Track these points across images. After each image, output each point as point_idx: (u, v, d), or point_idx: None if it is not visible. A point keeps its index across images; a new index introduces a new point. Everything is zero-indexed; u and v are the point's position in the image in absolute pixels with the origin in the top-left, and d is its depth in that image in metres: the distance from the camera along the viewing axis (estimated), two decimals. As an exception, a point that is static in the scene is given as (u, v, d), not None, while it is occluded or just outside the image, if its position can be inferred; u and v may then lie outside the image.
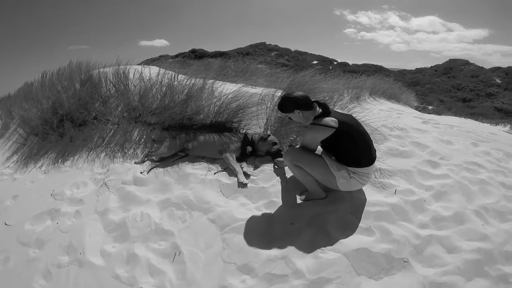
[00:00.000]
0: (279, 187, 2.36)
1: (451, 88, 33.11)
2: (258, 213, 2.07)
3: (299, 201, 2.19)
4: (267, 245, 1.81)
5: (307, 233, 1.87)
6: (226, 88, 3.39)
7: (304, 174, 2.09)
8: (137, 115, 3.42)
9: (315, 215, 2.01)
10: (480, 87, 31.82)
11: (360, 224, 1.94)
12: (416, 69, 44.51)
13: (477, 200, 2.30)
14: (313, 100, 2.11)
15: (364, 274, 1.63)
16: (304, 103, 2.08)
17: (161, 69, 3.83)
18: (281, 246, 1.80)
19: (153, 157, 2.84)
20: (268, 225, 1.96)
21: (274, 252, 1.75)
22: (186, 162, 2.75)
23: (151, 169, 2.66)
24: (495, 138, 4.45)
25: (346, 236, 1.84)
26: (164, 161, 2.77)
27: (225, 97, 3.23)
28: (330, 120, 1.97)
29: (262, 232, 1.90)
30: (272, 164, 2.67)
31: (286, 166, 2.50)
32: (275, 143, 2.71)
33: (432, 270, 1.68)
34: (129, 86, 3.59)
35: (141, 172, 2.63)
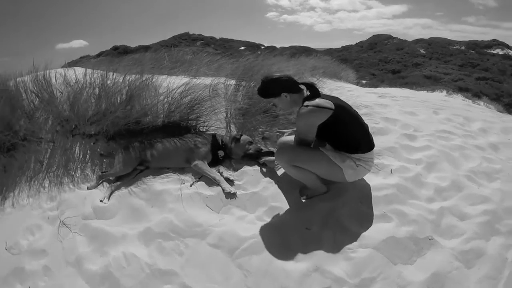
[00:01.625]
0: (272, 189, 2.30)
1: (379, 62, 37.42)
2: (264, 225, 1.98)
3: (301, 200, 2.18)
4: (293, 259, 1.75)
5: (327, 235, 1.88)
6: (172, 82, 3.17)
7: (304, 173, 2.05)
8: (73, 127, 3.00)
9: (327, 214, 2.03)
10: (406, 58, 36.90)
11: (374, 212, 2.03)
12: (342, 47, 49.16)
13: (463, 166, 2.64)
14: (300, 82, 2.07)
15: (399, 262, 1.72)
16: (291, 85, 2.04)
17: (87, 69, 3.42)
18: (308, 257, 1.76)
19: (109, 177, 2.52)
20: (282, 236, 1.89)
21: (304, 265, 1.71)
22: (150, 176, 2.47)
23: (112, 193, 2.35)
24: (447, 105, 5.16)
25: (366, 228, 1.91)
26: (123, 179, 2.47)
27: (174, 92, 3.00)
28: (324, 101, 1.94)
29: (279, 245, 1.83)
30: (254, 164, 2.58)
31: (278, 166, 2.43)
32: (250, 142, 2.63)
33: (456, 240, 1.89)
34: (55, 93, 3.12)
35: (100, 200, 2.30)
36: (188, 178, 2.44)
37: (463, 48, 40.99)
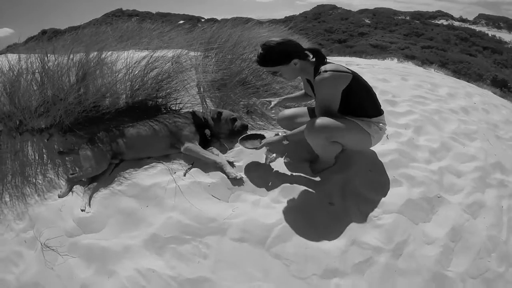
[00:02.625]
0: (278, 167, 2.31)
1: (324, 32, 38.89)
2: (284, 208, 1.99)
3: (312, 176, 2.24)
4: (327, 238, 1.82)
5: (352, 207, 1.99)
6: (128, 57, 2.83)
7: (336, 146, 2.03)
8: (17, 123, 2.62)
9: (343, 186, 2.14)
10: (352, 28, 39.04)
11: (386, 178, 2.22)
12: (286, 17, 49.85)
13: (445, 128, 3.01)
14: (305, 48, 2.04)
15: (419, 221, 1.95)
16: (300, 50, 1.97)
17: (21, 54, 2.96)
18: (340, 232, 1.85)
19: (82, 179, 2.26)
20: (307, 217, 1.94)
21: (339, 241, 1.80)
22: (130, 169, 2.22)
23: (91, 197, 2.10)
24: (410, 71, 5.62)
25: (384, 195, 2.09)
26: (98, 179, 2.19)
27: (134, 67, 2.73)
28: (341, 66, 1.96)
29: (308, 226, 1.88)
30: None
31: (283, 158, 2.38)
32: (234, 119, 2.51)
33: (459, 196, 2.21)
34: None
35: (82, 210, 2.05)
36: (177, 166, 2.25)
37: (408, 18, 44.63)
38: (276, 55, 1.94)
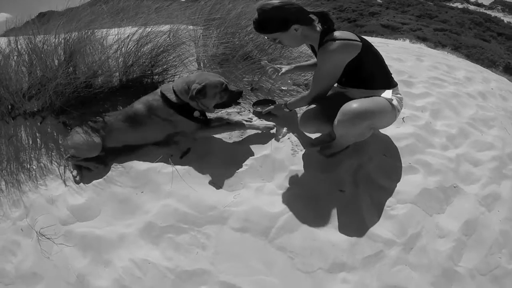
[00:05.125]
0: (285, 149, 2.13)
1: (333, 10, 37.32)
2: (291, 195, 1.86)
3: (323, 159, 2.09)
4: (336, 229, 1.73)
5: (363, 196, 1.88)
6: (121, 33, 2.61)
7: (369, 131, 1.80)
8: (9, 107, 2.48)
9: (355, 171, 2.03)
10: (362, 7, 37.49)
11: (401, 165, 2.10)
12: (295, -7, 47.93)
13: (463, 113, 2.84)
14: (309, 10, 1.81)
15: (433, 212, 1.87)
16: (302, 14, 1.75)
17: (11, 37, 2.76)
18: (350, 223, 1.75)
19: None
20: (315, 206, 1.83)
21: (349, 234, 1.70)
22: (123, 154, 2.11)
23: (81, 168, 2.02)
24: (425, 52, 5.33)
25: (397, 182, 1.98)
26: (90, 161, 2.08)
27: (127, 41, 2.50)
28: (350, 33, 1.77)
29: (316, 216, 1.77)
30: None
31: (281, 132, 2.22)
32: (226, 88, 1.97)
33: (475, 186, 2.10)
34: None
35: (74, 177, 1.99)
36: (173, 150, 2.09)
37: (421, -1, 42.65)
38: (272, 21, 1.72)
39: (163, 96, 1.97)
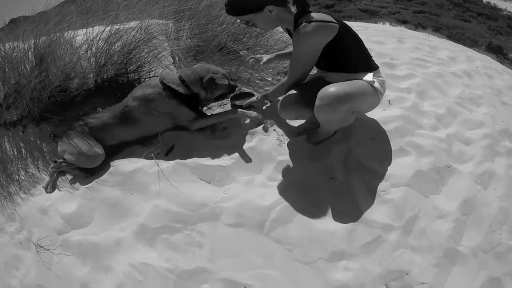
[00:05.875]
0: (270, 140, 2.05)
1: (310, -4, 37.23)
2: (282, 186, 1.80)
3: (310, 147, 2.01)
4: (331, 217, 1.67)
5: (355, 182, 1.82)
6: (89, 32, 2.49)
7: (351, 116, 1.76)
8: None
9: (345, 157, 1.96)
10: (340, -9, 37.16)
11: (391, 148, 2.04)
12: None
13: (450, 93, 2.81)
14: None
15: (429, 193, 1.82)
16: None
17: None
18: (346, 210, 1.70)
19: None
20: (308, 194, 1.77)
21: (346, 221, 1.65)
22: (108, 156, 2.01)
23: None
24: (406, 34, 5.32)
25: (389, 165, 1.92)
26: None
27: (97, 40, 2.40)
28: (326, 15, 1.69)
29: (310, 205, 1.71)
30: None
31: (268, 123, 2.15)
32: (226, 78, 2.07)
33: (468, 165, 2.07)
34: None
35: (44, 188, 1.93)
36: (157, 147, 2.01)
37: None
38: (245, 2, 1.64)
39: (167, 87, 1.94)
